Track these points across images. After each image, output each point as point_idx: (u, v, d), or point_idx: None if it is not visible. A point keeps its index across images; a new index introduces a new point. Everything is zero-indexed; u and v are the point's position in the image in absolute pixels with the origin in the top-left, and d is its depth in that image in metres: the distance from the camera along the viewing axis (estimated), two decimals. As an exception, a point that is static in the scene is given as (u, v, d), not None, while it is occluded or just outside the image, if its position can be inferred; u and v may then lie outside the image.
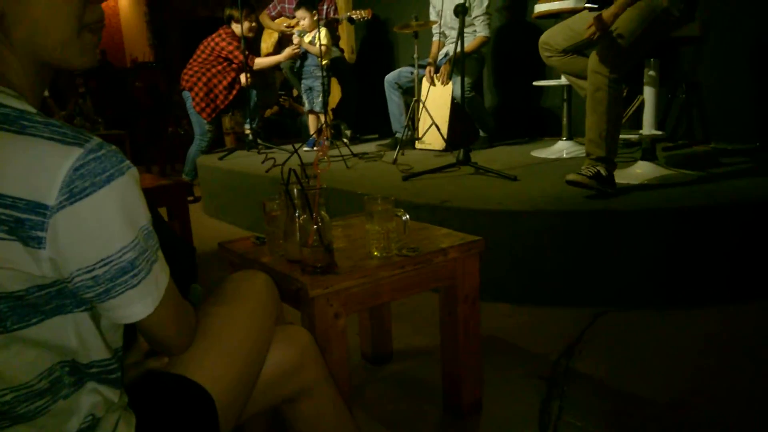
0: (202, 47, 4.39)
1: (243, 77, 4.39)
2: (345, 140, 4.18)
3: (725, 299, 2.09)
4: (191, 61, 4.42)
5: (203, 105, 4.36)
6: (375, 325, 1.81)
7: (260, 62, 4.45)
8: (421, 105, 3.84)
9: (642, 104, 2.62)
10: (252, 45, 4.59)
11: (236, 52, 4.30)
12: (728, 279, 2.12)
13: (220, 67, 4.35)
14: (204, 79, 4.33)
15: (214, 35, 4.38)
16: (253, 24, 4.40)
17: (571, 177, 2.25)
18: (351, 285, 1.21)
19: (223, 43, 4.31)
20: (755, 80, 3.12)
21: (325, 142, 3.90)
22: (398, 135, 4.03)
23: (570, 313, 2.07)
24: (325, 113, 4.24)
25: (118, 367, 0.78)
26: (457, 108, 3.71)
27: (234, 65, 4.37)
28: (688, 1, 2.28)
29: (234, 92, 4.42)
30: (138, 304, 0.72)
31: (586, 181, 2.22)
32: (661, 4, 2.22)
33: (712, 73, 3.23)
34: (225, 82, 4.37)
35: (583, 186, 2.23)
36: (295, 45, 4.24)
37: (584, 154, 2.36)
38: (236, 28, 4.35)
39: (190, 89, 4.34)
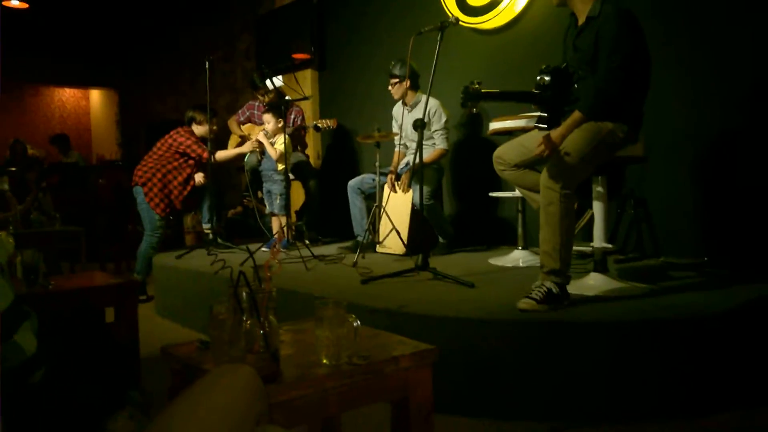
0: (159, 144, 4.45)
1: (198, 177, 4.43)
2: (306, 242, 4.19)
3: (681, 414, 2.07)
4: (146, 157, 4.45)
5: (157, 200, 4.33)
6: (324, 439, 1.71)
7: (223, 155, 4.54)
8: (382, 210, 3.92)
9: (592, 218, 2.72)
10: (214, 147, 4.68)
11: (194, 146, 4.37)
12: (683, 394, 2.11)
13: (176, 163, 4.38)
14: (159, 174, 4.34)
15: (172, 132, 4.46)
16: (214, 128, 4.51)
17: (522, 305, 2.24)
18: (296, 396, 1.16)
19: (181, 138, 4.38)
20: (699, 199, 3.30)
21: (278, 246, 3.88)
22: (359, 238, 4.06)
23: (528, 427, 2.01)
24: (288, 215, 4.27)
25: None
26: (416, 214, 3.79)
27: (190, 161, 4.41)
28: (631, 125, 2.45)
29: (189, 188, 4.42)
30: None
31: (537, 307, 2.22)
32: (606, 127, 2.38)
33: (658, 190, 3.41)
34: (180, 178, 4.38)
35: (535, 312, 2.23)
36: (255, 140, 4.35)
37: (539, 264, 2.40)
38: (196, 129, 4.47)
39: (143, 184, 4.32)
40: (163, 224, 4.41)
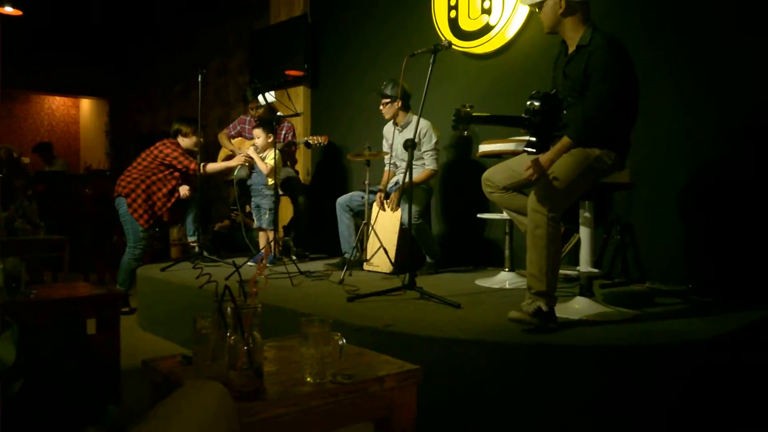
0: (143, 155, 4.42)
1: (183, 189, 4.40)
2: (293, 257, 4.17)
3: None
4: (130, 168, 4.41)
5: (141, 212, 4.28)
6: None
7: (212, 167, 4.49)
8: (370, 228, 3.92)
9: (579, 242, 2.74)
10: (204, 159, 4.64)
11: (181, 158, 4.34)
12: (666, 419, 2.11)
13: (161, 175, 4.34)
14: (143, 186, 4.29)
15: (158, 144, 4.43)
16: (201, 140, 4.50)
17: (513, 315, 2.27)
18: (278, 414, 1.15)
19: (168, 150, 4.35)
20: (684, 226, 3.34)
21: (265, 260, 3.86)
22: (347, 255, 4.06)
23: (510, 451, 2.00)
24: (275, 230, 4.25)
25: None
26: (405, 233, 3.80)
27: (175, 173, 4.39)
28: (619, 152, 2.48)
29: (173, 200, 4.38)
30: None
31: (528, 318, 2.24)
32: (594, 153, 2.41)
33: (644, 216, 3.45)
34: (165, 190, 4.34)
35: (525, 324, 2.25)
36: (245, 154, 4.34)
37: (525, 287, 2.41)
38: (182, 141, 4.46)
39: (127, 195, 4.27)
40: (146, 236, 4.36)
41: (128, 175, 4.37)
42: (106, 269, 5.97)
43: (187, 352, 1.39)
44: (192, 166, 4.34)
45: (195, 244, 4.46)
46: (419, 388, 1.41)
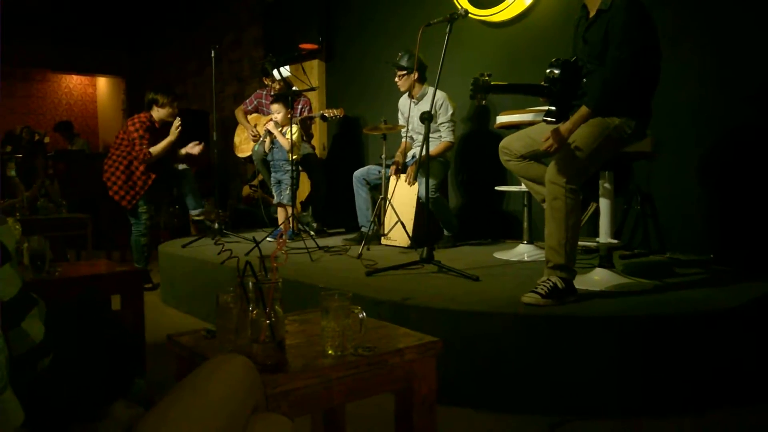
0: (119, 132, 4.34)
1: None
2: (311, 233, 4.19)
3: (682, 410, 2.08)
4: (111, 148, 4.36)
5: (122, 193, 4.24)
6: (329, 430, 1.72)
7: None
8: (387, 202, 3.91)
9: (597, 211, 2.71)
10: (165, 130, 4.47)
11: (137, 141, 4.19)
12: (684, 390, 2.11)
13: (135, 153, 4.24)
14: (122, 167, 4.24)
15: (128, 120, 4.31)
16: (175, 110, 4.35)
17: (527, 299, 2.23)
18: (301, 385, 1.17)
19: (132, 128, 4.23)
20: (706, 196, 3.29)
21: (284, 236, 3.88)
22: (364, 230, 4.07)
23: (529, 421, 2.01)
24: (293, 206, 4.27)
25: None
26: (422, 207, 3.79)
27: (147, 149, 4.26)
28: (639, 120, 2.43)
29: (153, 175, 4.28)
30: None
31: (542, 302, 2.21)
32: (613, 122, 2.37)
33: (665, 186, 3.40)
34: (143, 167, 4.24)
35: (540, 307, 2.22)
36: (258, 133, 4.31)
37: (544, 259, 2.40)
38: (157, 112, 4.30)
39: (107, 179, 4.25)
40: (145, 210, 4.35)
41: (110, 156, 4.32)
42: (129, 246, 6.05)
43: (210, 326, 1.41)
44: (140, 155, 4.19)
45: (201, 218, 4.45)
46: (438, 359, 1.42)
